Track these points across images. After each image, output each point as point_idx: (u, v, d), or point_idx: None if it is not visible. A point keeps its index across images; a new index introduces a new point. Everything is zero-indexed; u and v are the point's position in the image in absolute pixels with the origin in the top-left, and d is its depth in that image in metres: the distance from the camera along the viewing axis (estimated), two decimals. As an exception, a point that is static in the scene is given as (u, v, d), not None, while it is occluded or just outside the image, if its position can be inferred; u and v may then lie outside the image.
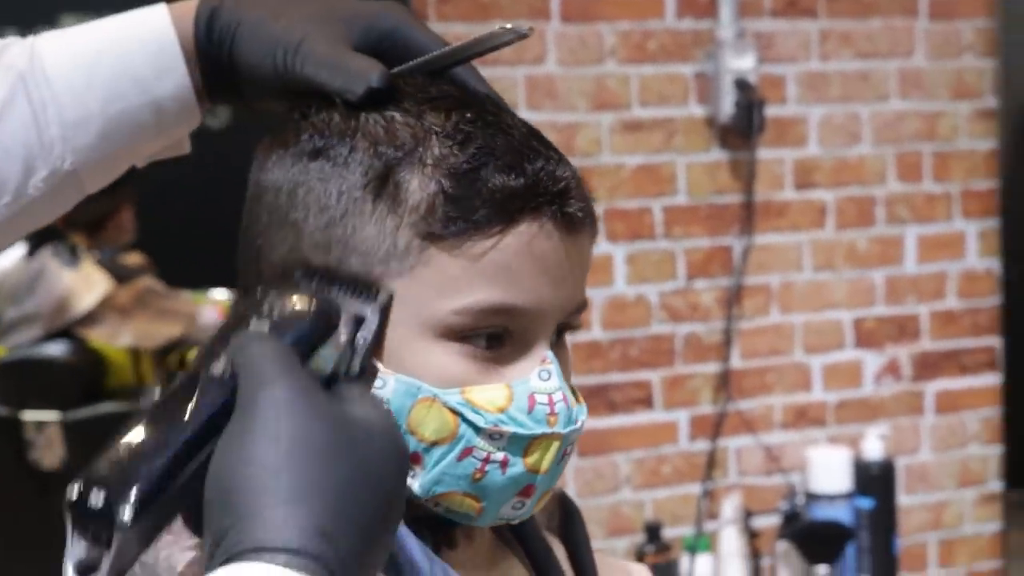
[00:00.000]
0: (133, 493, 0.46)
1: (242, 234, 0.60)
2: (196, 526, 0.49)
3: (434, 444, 0.55)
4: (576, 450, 2.21)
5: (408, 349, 0.55)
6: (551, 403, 0.57)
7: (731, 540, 2.21)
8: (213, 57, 0.62)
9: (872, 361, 2.35)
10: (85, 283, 2.54)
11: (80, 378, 2.49)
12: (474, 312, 0.55)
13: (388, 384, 0.55)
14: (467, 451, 0.56)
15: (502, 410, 0.56)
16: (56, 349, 2.50)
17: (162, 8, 0.62)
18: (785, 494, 2.26)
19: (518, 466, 0.56)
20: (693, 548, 2.19)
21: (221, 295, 2.85)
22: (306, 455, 0.45)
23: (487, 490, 0.57)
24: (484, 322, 0.56)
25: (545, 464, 0.57)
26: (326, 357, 0.52)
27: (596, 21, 2.16)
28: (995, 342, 2.43)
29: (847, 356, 2.33)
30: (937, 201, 2.38)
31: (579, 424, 0.58)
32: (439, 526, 0.59)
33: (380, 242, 0.55)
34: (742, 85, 2.17)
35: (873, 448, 2.26)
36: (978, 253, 2.40)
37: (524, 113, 2.11)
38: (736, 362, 2.26)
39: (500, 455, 0.56)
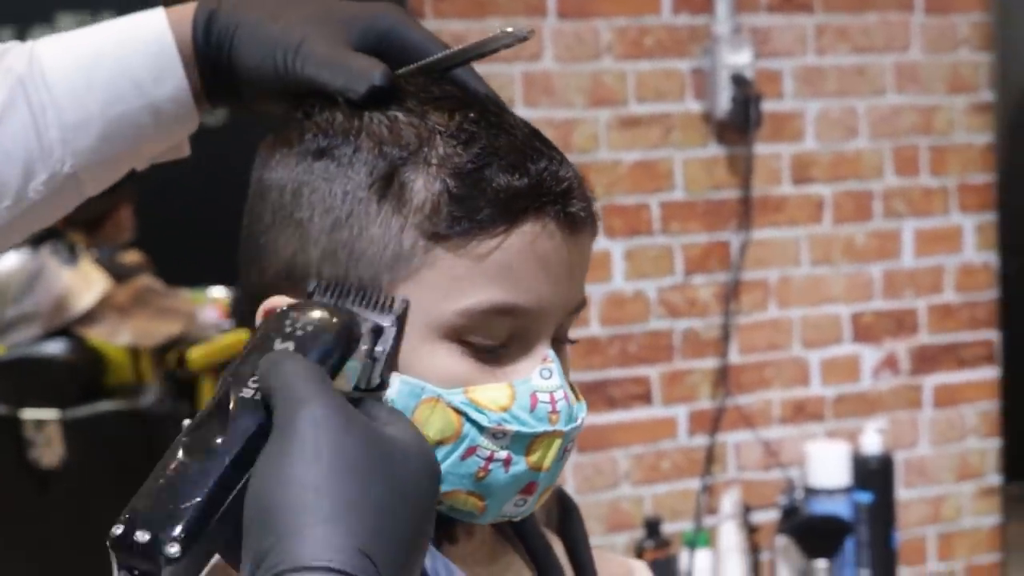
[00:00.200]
0: (178, 530, 0.46)
1: (244, 231, 0.60)
2: (233, 553, 0.49)
3: (438, 444, 0.56)
4: (575, 446, 2.22)
5: (411, 350, 0.56)
6: (553, 401, 0.57)
7: (730, 535, 2.22)
8: (212, 60, 0.62)
9: (870, 355, 2.35)
10: (84, 282, 2.54)
11: (79, 376, 2.49)
12: (478, 313, 0.56)
13: (392, 385, 0.56)
14: (471, 450, 0.56)
15: (505, 409, 0.56)
16: (55, 347, 2.51)
17: (160, 11, 0.63)
18: (784, 489, 2.27)
19: (521, 464, 0.57)
20: (692, 543, 2.20)
21: (220, 293, 2.86)
22: (345, 474, 0.46)
23: (490, 488, 0.57)
24: (488, 322, 0.56)
25: (547, 462, 0.58)
26: (350, 371, 0.53)
27: (592, 17, 2.16)
28: (993, 335, 2.43)
29: (845, 350, 2.34)
30: (934, 195, 2.38)
31: (579, 422, 0.59)
32: (440, 522, 0.59)
33: (385, 244, 0.56)
34: (739, 80, 2.17)
35: (871, 442, 2.27)
36: (975, 247, 2.41)
37: (521, 110, 2.12)
38: (734, 357, 2.26)
39: (503, 454, 0.57)
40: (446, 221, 0.55)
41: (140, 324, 2.60)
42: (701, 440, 2.25)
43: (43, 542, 2.40)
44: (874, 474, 2.25)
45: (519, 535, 0.66)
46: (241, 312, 0.60)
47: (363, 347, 0.53)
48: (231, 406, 0.49)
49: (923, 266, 2.38)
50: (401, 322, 0.55)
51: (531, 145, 0.58)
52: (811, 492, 2.24)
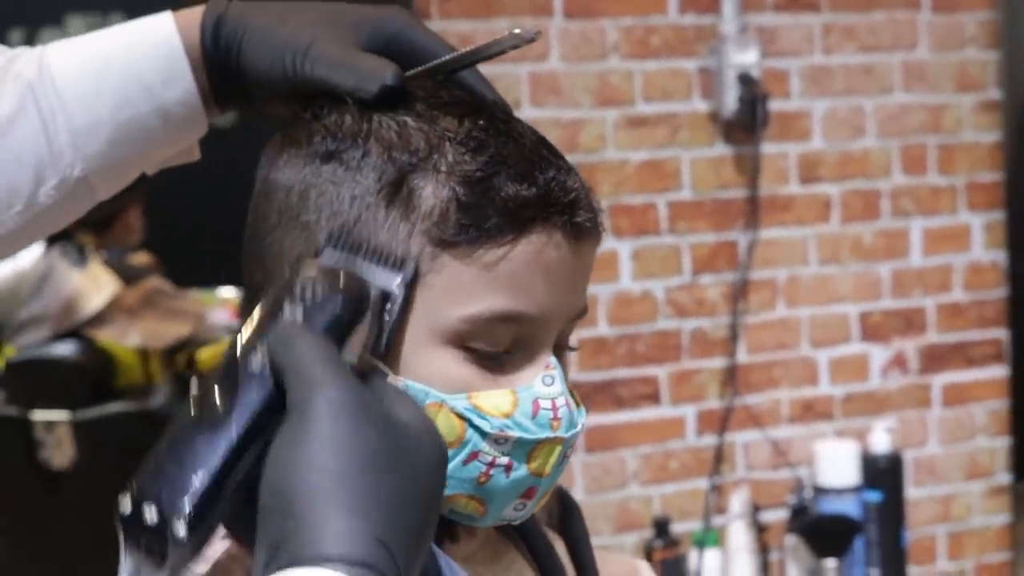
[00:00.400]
0: (187, 507, 0.46)
1: (248, 230, 0.60)
2: (238, 527, 0.49)
3: None
4: (584, 446, 2.23)
5: (416, 355, 0.56)
6: (554, 408, 0.58)
7: (739, 534, 2.22)
8: (220, 63, 0.62)
9: (879, 354, 2.35)
10: (93, 284, 2.55)
11: (89, 378, 2.50)
12: (483, 320, 0.56)
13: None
14: (473, 455, 0.57)
15: (507, 415, 0.57)
16: (65, 349, 2.52)
17: (168, 15, 0.63)
18: (793, 488, 2.27)
19: (522, 470, 0.57)
20: (701, 543, 2.20)
21: (230, 294, 2.86)
22: (362, 463, 0.46)
23: (491, 493, 0.57)
24: (492, 329, 0.56)
25: (548, 468, 0.58)
26: (357, 338, 0.52)
27: (599, 17, 2.16)
28: (1002, 334, 2.43)
29: (854, 350, 2.34)
30: (942, 194, 2.38)
31: (579, 428, 0.59)
32: (441, 522, 0.60)
33: (393, 249, 0.56)
34: (745, 80, 2.17)
35: (880, 441, 2.26)
36: (984, 245, 2.40)
37: (528, 110, 2.12)
38: (743, 357, 2.26)
39: (505, 459, 0.57)
40: (454, 228, 0.55)
41: (149, 326, 2.61)
42: (710, 440, 2.25)
43: (54, 542, 2.41)
44: (883, 473, 2.25)
45: (520, 534, 0.66)
46: (247, 312, 0.60)
47: (371, 314, 0.53)
48: (239, 377, 0.49)
49: (931, 265, 2.37)
50: (409, 289, 0.55)
51: (539, 154, 0.58)
52: (820, 491, 2.23)
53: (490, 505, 0.58)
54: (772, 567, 2.26)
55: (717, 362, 2.25)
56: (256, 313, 0.52)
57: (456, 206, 0.55)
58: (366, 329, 0.53)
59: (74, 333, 2.55)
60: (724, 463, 2.26)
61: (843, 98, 2.30)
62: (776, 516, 2.27)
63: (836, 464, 2.23)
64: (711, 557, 2.20)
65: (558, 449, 0.58)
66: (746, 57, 2.18)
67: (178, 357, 2.65)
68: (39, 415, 2.41)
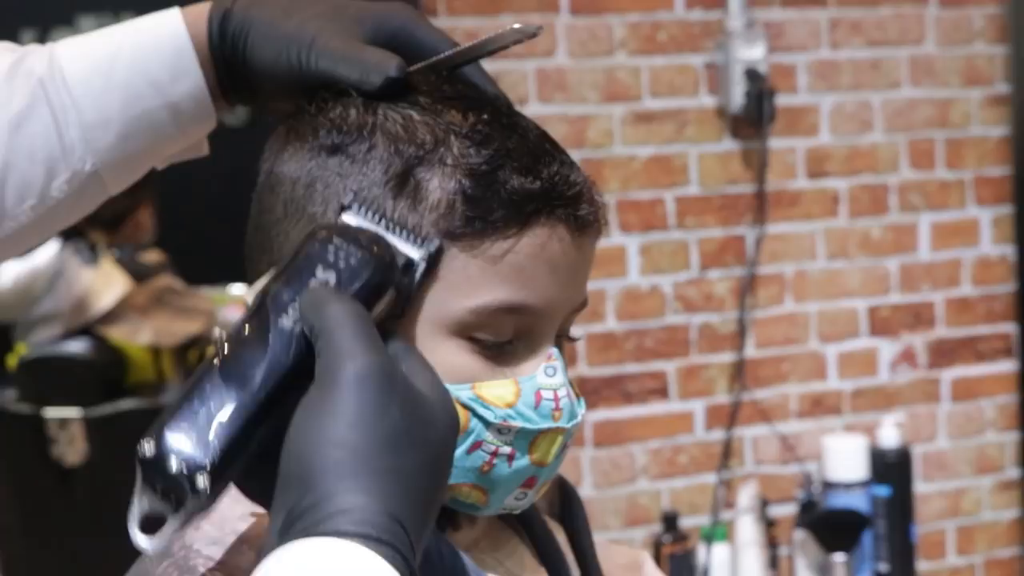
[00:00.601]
0: (211, 460, 0.47)
1: (252, 221, 0.61)
2: (250, 484, 0.50)
3: None
4: (592, 441, 2.24)
5: (421, 345, 0.57)
6: (556, 399, 0.59)
7: (748, 529, 2.22)
8: (227, 59, 0.63)
9: (887, 349, 2.35)
10: (105, 282, 2.57)
11: (101, 375, 2.52)
12: (489, 311, 0.57)
13: None
14: (477, 444, 0.57)
15: (510, 405, 0.58)
16: (77, 347, 2.53)
17: (175, 12, 0.64)
18: (801, 483, 2.27)
19: (524, 459, 0.58)
20: (710, 537, 2.20)
21: (242, 291, 2.88)
22: (385, 442, 0.47)
23: (494, 482, 0.58)
24: (496, 320, 0.57)
25: (549, 457, 0.59)
26: (383, 304, 0.53)
27: (605, 13, 2.16)
28: (1011, 328, 2.42)
29: (862, 344, 2.34)
30: (950, 188, 2.37)
31: (579, 418, 0.60)
32: (443, 511, 0.61)
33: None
34: (752, 75, 2.17)
35: (889, 436, 2.26)
36: (992, 240, 2.40)
37: (535, 106, 2.13)
38: (751, 351, 2.27)
39: (507, 449, 0.58)
40: (460, 220, 0.56)
41: (160, 323, 2.62)
42: (718, 434, 2.26)
43: (67, 538, 2.43)
44: (892, 468, 2.25)
45: (521, 522, 0.67)
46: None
47: (395, 282, 0.54)
48: (268, 333, 0.49)
49: (940, 259, 2.37)
50: (431, 263, 0.56)
51: (542, 148, 0.59)
52: (829, 486, 2.23)
53: (492, 494, 0.59)
54: (780, 561, 2.26)
55: (725, 357, 2.25)
56: (287, 265, 0.52)
57: (462, 198, 0.56)
58: (391, 297, 0.54)
59: (86, 331, 2.56)
60: (733, 458, 2.27)
61: (850, 93, 2.30)
62: (785, 510, 2.28)
63: (845, 459, 2.23)
64: (719, 551, 2.20)
65: (559, 439, 0.59)
66: (753, 52, 2.18)
67: (189, 354, 2.67)
68: (52, 412, 2.43)
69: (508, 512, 0.61)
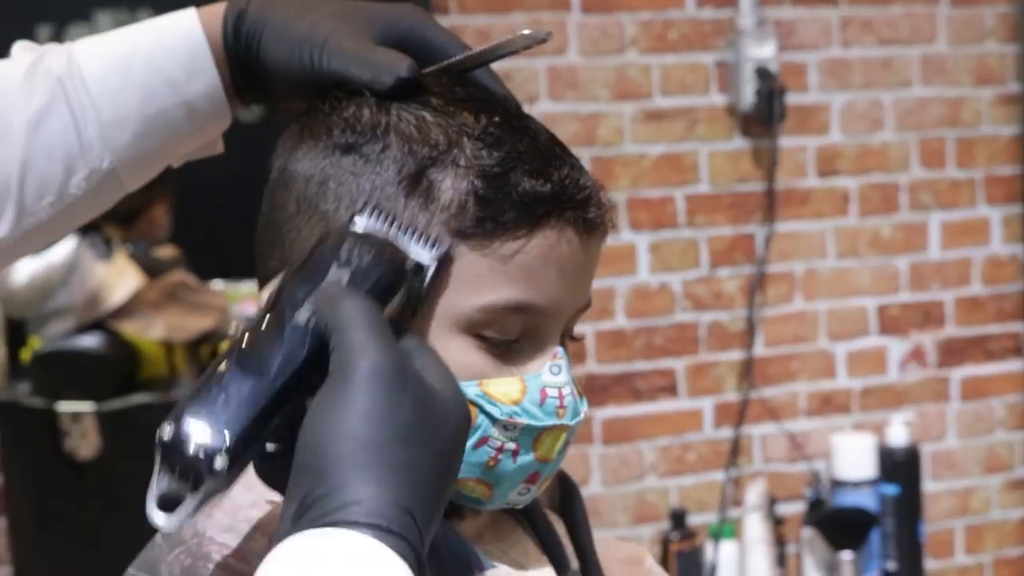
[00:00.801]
0: (229, 444, 0.49)
1: (264, 217, 0.62)
2: (266, 468, 0.52)
3: None
4: (601, 438, 2.24)
5: (430, 342, 0.58)
6: (561, 396, 0.60)
7: (756, 527, 2.22)
8: (241, 58, 0.64)
9: (897, 348, 2.35)
10: (118, 276, 2.59)
11: (114, 370, 2.53)
12: (497, 310, 0.58)
13: None
14: (483, 440, 0.59)
15: (516, 402, 0.59)
16: (90, 341, 2.55)
17: (192, 12, 0.65)
18: (810, 481, 2.27)
19: (528, 455, 0.59)
20: (718, 535, 2.21)
21: (254, 288, 2.89)
22: (397, 435, 0.49)
23: (498, 477, 0.60)
24: (504, 319, 0.58)
25: (553, 454, 0.60)
26: (393, 306, 0.55)
27: (617, 11, 2.17)
28: (1020, 328, 2.42)
29: (871, 343, 2.34)
30: (961, 187, 2.37)
31: (582, 416, 0.61)
32: (448, 505, 0.62)
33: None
34: (763, 73, 2.18)
35: (898, 434, 2.26)
36: (1002, 239, 2.40)
37: (546, 104, 2.13)
38: (760, 350, 2.27)
39: (513, 445, 0.59)
40: (472, 221, 0.57)
41: (173, 318, 2.64)
42: (727, 432, 2.26)
43: (80, 532, 2.44)
44: (901, 466, 2.25)
45: (523, 514, 0.68)
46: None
47: (407, 285, 0.56)
48: (284, 328, 0.52)
49: (950, 258, 2.37)
50: (441, 265, 0.57)
51: (553, 151, 0.60)
52: (837, 484, 2.24)
53: (497, 489, 0.60)
54: (788, 559, 2.27)
55: (734, 355, 2.26)
56: (300, 266, 0.54)
57: (474, 199, 0.57)
58: (402, 298, 0.55)
59: (99, 325, 2.58)
60: (741, 456, 2.27)
61: (861, 91, 2.30)
62: (793, 508, 2.28)
63: (853, 457, 2.24)
64: (727, 549, 2.21)
65: (563, 436, 0.60)
66: (764, 51, 2.18)
67: (202, 349, 2.68)
68: (65, 406, 2.44)
69: (511, 507, 0.62)
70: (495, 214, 0.57)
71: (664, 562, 2.17)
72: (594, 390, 2.16)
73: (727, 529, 2.21)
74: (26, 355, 2.59)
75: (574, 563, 0.67)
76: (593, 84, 2.16)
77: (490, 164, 0.57)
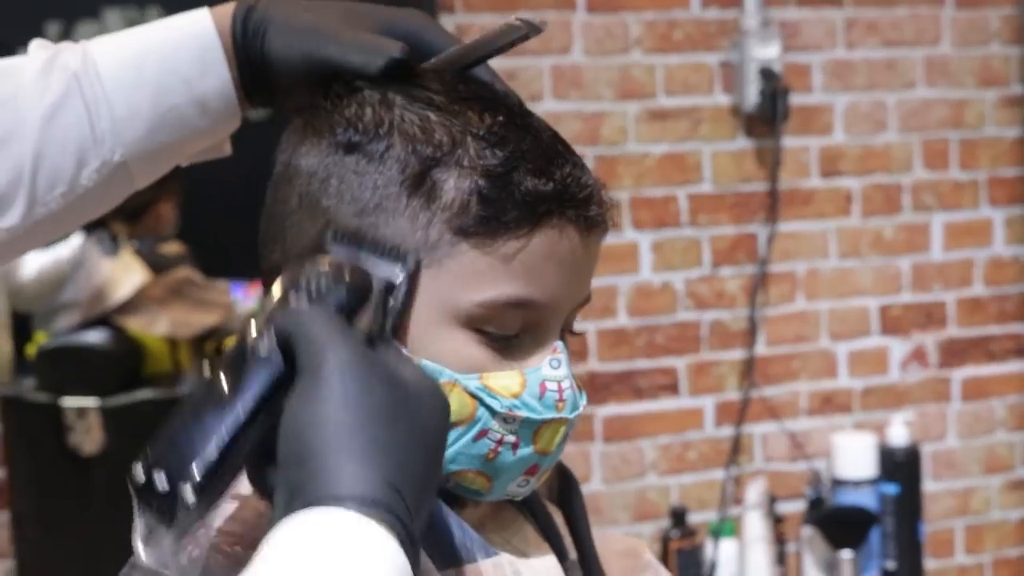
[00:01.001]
0: (195, 475, 0.51)
1: (266, 211, 0.63)
2: (262, 485, 0.53)
3: (453, 425, 0.59)
4: (602, 436, 2.25)
5: (430, 335, 0.59)
6: (560, 390, 0.61)
7: (756, 525, 2.23)
8: (248, 53, 0.65)
9: (898, 348, 2.36)
10: (123, 272, 2.60)
11: (119, 365, 2.54)
12: (497, 305, 0.59)
13: None
14: (483, 433, 0.60)
15: (516, 396, 0.59)
16: (95, 336, 2.56)
17: (205, 11, 0.66)
18: (810, 480, 2.28)
19: (528, 448, 0.60)
20: (718, 533, 2.21)
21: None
22: (372, 415, 0.50)
23: (498, 469, 0.60)
24: (504, 315, 0.59)
25: (552, 447, 0.61)
26: (362, 324, 0.55)
27: (621, 11, 2.18)
28: (1022, 329, 2.43)
29: (873, 343, 2.35)
30: (963, 189, 2.38)
31: (581, 409, 0.62)
32: (448, 495, 0.63)
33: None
34: (767, 74, 2.18)
35: (899, 434, 2.27)
36: (1005, 240, 2.40)
37: (550, 103, 2.14)
38: (761, 349, 2.28)
39: (512, 437, 0.60)
40: (474, 219, 0.58)
41: (178, 315, 2.65)
42: (728, 431, 2.27)
43: (83, 527, 2.45)
44: (901, 466, 2.26)
45: (523, 504, 0.68)
46: (266, 288, 0.63)
47: (375, 302, 0.56)
48: (247, 363, 0.53)
49: (952, 259, 2.38)
50: (413, 279, 0.58)
51: (555, 149, 0.61)
52: (837, 483, 2.24)
53: (496, 480, 0.61)
54: (788, 558, 2.27)
55: (736, 354, 2.27)
56: (266, 303, 0.55)
57: (478, 199, 0.58)
58: (369, 315, 0.56)
59: (104, 321, 2.59)
60: (742, 454, 2.28)
61: (865, 93, 2.31)
62: (793, 507, 2.29)
63: (854, 456, 2.24)
64: (727, 547, 2.21)
65: (562, 429, 0.61)
66: (768, 51, 2.19)
67: (206, 346, 2.69)
68: (69, 401, 2.45)
69: (510, 499, 0.63)
70: (498, 213, 0.58)
71: (664, 560, 2.18)
72: (596, 388, 2.17)
73: (727, 527, 2.22)
74: (31, 350, 2.60)
75: (572, 553, 0.68)
76: (597, 83, 2.17)
77: (494, 164, 0.58)
